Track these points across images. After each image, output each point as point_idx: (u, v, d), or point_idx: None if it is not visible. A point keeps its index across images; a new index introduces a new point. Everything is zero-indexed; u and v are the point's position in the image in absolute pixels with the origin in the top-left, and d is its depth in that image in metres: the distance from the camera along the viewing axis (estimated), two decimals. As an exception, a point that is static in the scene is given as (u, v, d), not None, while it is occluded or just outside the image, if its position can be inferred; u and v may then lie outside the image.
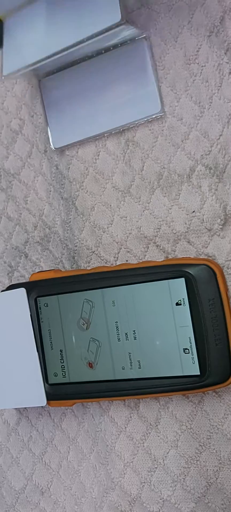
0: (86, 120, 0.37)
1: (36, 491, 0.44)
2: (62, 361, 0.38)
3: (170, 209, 0.36)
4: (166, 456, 0.38)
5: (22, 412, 0.44)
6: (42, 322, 0.38)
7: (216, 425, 0.35)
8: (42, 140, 0.40)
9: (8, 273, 0.44)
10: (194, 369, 0.33)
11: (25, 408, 0.44)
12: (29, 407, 0.44)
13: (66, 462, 0.43)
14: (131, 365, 0.35)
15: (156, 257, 0.36)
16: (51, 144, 0.39)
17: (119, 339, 0.36)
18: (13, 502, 0.45)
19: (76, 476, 0.43)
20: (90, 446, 0.42)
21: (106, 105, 0.37)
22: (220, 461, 0.36)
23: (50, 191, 0.41)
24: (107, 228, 0.38)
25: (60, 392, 0.38)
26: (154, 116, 0.35)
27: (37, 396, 0.38)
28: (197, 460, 0.36)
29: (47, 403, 0.38)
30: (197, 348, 0.33)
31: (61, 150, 0.39)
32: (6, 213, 0.43)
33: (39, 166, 0.41)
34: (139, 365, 0.35)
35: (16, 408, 0.44)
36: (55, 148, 0.39)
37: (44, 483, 0.44)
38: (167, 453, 0.37)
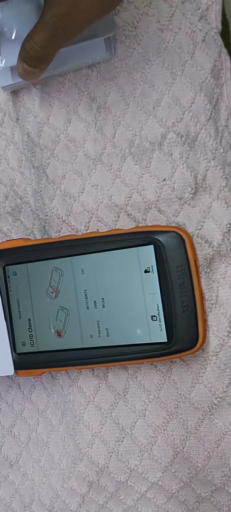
0: None
1: (5, 464, 0.44)
2: (30, 330, 0.37)
3: (141, 177, 0.36)
4: (133, 426, 0.37)
5: (-10, 384, 0.44)
6: (10, 291, 0.38)
7: (183, 394, 0.35)
8: (15, 108, 0.39)
9: None
10: (162, 336, 0.33)
11: (-6, 380, 0.44)
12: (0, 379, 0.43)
13: (36, 434, 0.43)
14: (99, 333, 0.35)
15: (126, 226, 0.36)
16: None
17: (87, 307, 0.35)
18: (-19, 474, 0.45)
19: (45, 448, 0.42)
20: (59, 418, 0.41)
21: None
22: (187, 430, 0.36)
23: (22, 160, 0.40)
24: (78, 196, 0.38)
25: (28, 361, 0.38)
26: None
27: (5, 365, 0.38)
28: (164, 430, 0.37)
29: (15, 372, 0.38)
30: (164, 315, 0.33)
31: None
32: None
33: (11, 135, 0.41)
34: (107, 333, 0.35)
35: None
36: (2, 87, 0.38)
37: (13, 456, 0.44)
38: (135, 422, 0.37)
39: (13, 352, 0.38)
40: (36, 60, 0.31)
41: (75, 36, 0.30)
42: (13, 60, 0.32)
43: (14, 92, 0.39)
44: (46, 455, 0.42)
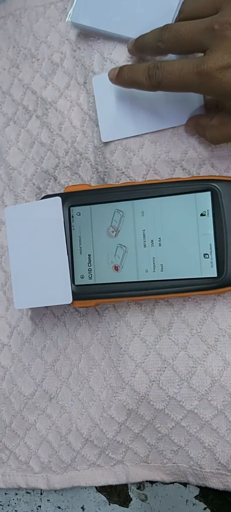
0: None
1: (45, 397, 0.48)
2: (89, 265, 0.42)
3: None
4: (175, 357, 0.42)
5: (37, 323, 0.48)
6: (73, 229, 0.42)
7: (224, 329, 0.41)
8: (82, 73, 0.45)
9: (36, 194, 0.48)
10: (212, 272, 0.38)
11: (40, 319, 0.48)
12: (46, 317, 0.47)
13: (77, 370, 0.47)
14: (154, 268, 0.40)
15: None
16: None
17: (144, 245, 0.40)
18: (21, 407, 0.48)
19: (85, 382, 0.46)
20: (102, 353, 0.46)
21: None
22: (225, 362, 0.41)
23: (85, 120, 0.45)
24: (138, 151, 0.43)
25: (85, 292, 0.42)
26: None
27: (64, 294, 0.42)
28: (204, 361, 0.41)
29: (72, 303, 0.42)
30: (216, 253, 0.38)
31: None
32: (39, 138, 0.48)
33: (76, 97, 0.46)
34: (161, 268, 0.40)
35: (35, 317, 0.48)
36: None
37: (53, 390, 0.47)
38: (177, 354, 0.42)
39: (72, 283, 0.42)
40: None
41: None
42: None
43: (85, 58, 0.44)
44: (86, 389, 0.46)
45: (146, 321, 0.43)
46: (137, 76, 0.37)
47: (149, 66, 0.36)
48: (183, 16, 0.38)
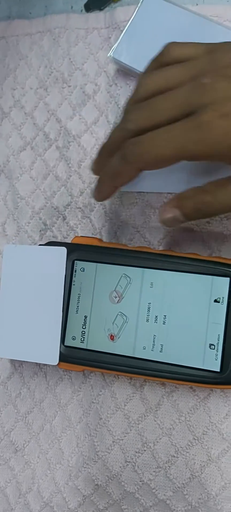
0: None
1: (10, 448, 0.44)
2: (84, 327, 0.39)
3: None
4: (157, 442, 0.40)
5: (16, 368, 0.45)
6: (74, 285, 0.39)
7: (215, 423, 0.39)
8: (114, 111, 0.42)
9: (40, 230, 0.45)
10: (215, 365, 0.37)
11: (20, 364, 0.45)
12: (26, 363, 0.44)
13: (50, 426, 0.44)
14: (152, 347, 0.38)
15: (200, 252, 0.39)
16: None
17: (147, 320, 0.38)
18: (-18, 453, 0.45)
19: (56, 442, 0.43)
20: (80, 416, 0.43)
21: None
22: (209, 458, 0.39)
23: None
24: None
25: (74, 355, 0.39)
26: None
27: (51, 354, 0.39)
28: (186, 452, 0.39)
29: (58, 364, 0.39)
30: (223, 346, 0.36)
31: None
32: (55, 171, 0.45)
33: (103, 135, 0.43)
34: (161, 349, 0.38)
35: (15, 361, 0.45)
36: None
37: (20, 442, 0.44)
38: (160, 438, 0.40)
39: (61, 343, 0.39)
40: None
41: None
42: None
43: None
44: (56, 449, 0.43)
45: (133, 396, 0.41)
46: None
47: None
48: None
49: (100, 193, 0.36)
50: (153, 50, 0.39)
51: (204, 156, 0.30)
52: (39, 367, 0.44)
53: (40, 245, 0.41)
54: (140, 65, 0.41)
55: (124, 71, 0.43)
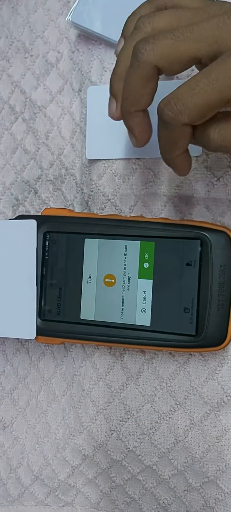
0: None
1: (-2, 425, 0.45)
2: (59, 299, 0.39)
3: (195, 171, 0.38)
4: (140, 409, 0.40)
5: (-2, 344, 0.45)
6: (46, 258, 0.39)
7: (195, 387, 0.38)
8: (78, 79, 0.41)
9: (13, 206, 0.44)
10: (191, 329, 0.36)
11: (2, 342, 0.45)
12: (8, 341, 0.44)
13: (35, 401, 0.44)
14: (129, 314, 0.37)
15: (172, 216, 0.38)
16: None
17: (123, 287, 0.38)
18: None
19: (43, 416, 0.44)
20: (64, 389, 0.43)
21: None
22: (192, 422, 0.39)
23: (75, 131, 0.42)
24: (128, 178, 0.39)
25: (51, 328, 0.39)
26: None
27: (28, 328, 0.39)
28: (169, 417, 0.39)
29: (36, 338, 0.39)
30: (197, 310, 0.36)
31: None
32: (23, 144, 0.44)
33: (68, 104, 0.42)
34: (138, 315, 0.37)
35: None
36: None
37: (8, 418, 0.44)
38: (142, 406, 0.40)
39: (38, 317, 0.39)
40: None
41: None
42: None
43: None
44: (43, 423, 0.44)
45: (113, 365, 0.40)
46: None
47: None
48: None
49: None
50: (114, 11, 0.38)
51: None
52: (21, 343, 0.44)
53: (10, 219, 0.40)
54: (101, 28, 0.40)
55: (85, 36, 0.42)
